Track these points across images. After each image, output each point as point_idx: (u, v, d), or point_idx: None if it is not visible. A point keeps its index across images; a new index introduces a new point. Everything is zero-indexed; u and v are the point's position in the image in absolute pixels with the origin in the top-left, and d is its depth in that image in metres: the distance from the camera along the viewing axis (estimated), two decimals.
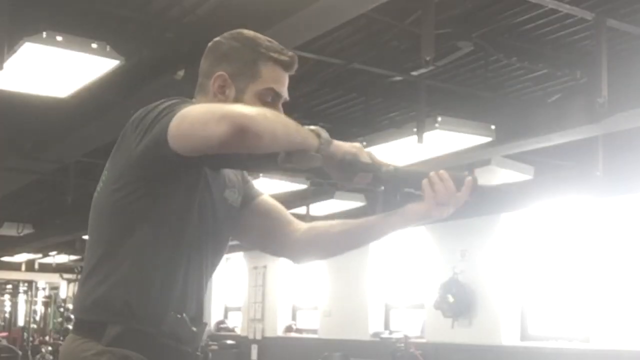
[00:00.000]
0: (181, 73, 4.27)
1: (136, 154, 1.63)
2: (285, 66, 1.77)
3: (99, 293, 1.64)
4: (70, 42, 3.94)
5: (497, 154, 6.04)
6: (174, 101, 1.64)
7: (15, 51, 3.92)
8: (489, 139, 5.25)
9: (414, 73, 4.80)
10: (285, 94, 1.79)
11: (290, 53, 1.78)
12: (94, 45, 4.00)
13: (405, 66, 5.16)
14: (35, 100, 5.02)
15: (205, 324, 1.76)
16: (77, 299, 1.72)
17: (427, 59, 4.07)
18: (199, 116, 1.52)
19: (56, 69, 4.25)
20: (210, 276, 1.79)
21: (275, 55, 1.76)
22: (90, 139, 6.05)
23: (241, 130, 1.45)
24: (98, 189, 1.71)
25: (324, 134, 1.63)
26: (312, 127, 1.63)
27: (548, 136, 5.17)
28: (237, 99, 1.73)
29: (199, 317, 1.73)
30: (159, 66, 4.50)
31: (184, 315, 1.66)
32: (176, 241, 1.66)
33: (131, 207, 1.64)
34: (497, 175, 6.71)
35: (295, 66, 1.80)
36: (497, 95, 5.68)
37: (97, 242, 1.70)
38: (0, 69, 3.92)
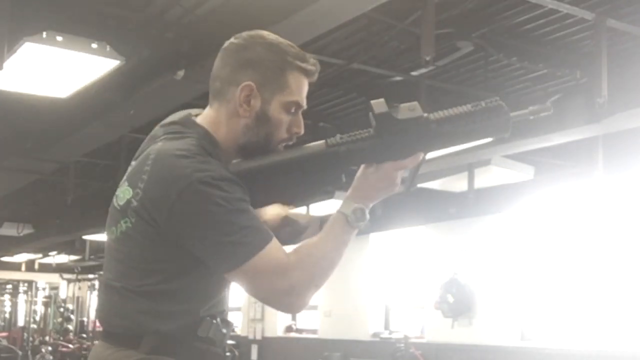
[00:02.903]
0: (181, 73, 4.26)
1: (169, 241, 1.60)
2: (310, 75, 1.74)
3: (133, 314, 1.62)
4: (70, 42, 3.94)
5: (497, 154, 6.04)
6: (214, 197, 1.54)
7: (15, 51, 3.92)
8: (489, 139, 5.25)
9: (414, 73, 4.81)
10: (305, 103, 1.75)
11: (312, 60, 1.74)
12: (94, 45, 4.00)
13: (405, 66, 5.17)
14: (35, 100, 5.03)
15: (231, 324, 1.77)
16: (107, 314, 1.68)
17: (427, 59, 4.07)
18: (273, 285, 1.59)
19: (56, 69, 4.25)
20: None
21: (303, 65, 1.71)
22: (90, 139, 6.05)
23: (304, 300, 1.65)
24: (129, 224, 1.63)
25: (350, 212, 1.63)
26: (345, 213, 1.64)
27: (548, 136, 5.17)
28: (262, 111, 1.68)
29: (227, 317, 1.74)
30: (159, 66, 4.49)
31: (218, 320, 1.67)
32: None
33: (169, 249, 1.62)
34: (497, 175, 6.71)
35: (317, 75, 1.76)
36: (497, 95, 5.67)
37: (127, 266, 1.66)
38: (0, 69, 3.92)
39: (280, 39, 1.73)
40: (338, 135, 1.67)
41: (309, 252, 1.62)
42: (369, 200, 1.65)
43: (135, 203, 1.61)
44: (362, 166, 1.66)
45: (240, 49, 1.70)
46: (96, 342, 1.74)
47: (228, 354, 1.74)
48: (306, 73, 1.72)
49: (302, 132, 1.75)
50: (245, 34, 1.73)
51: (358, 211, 1.62)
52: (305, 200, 1.76)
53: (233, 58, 1.70)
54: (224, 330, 1.69)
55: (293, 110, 1.72)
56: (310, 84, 1.77)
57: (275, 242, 1.59)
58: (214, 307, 1.68)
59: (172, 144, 1.63)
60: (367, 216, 1.64)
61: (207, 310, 1.66)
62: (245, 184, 1.61)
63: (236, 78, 1.68)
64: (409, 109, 1.63)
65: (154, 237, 1.60)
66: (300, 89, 1.72)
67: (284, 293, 1.59)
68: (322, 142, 1.68)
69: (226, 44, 1.73)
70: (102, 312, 1.70)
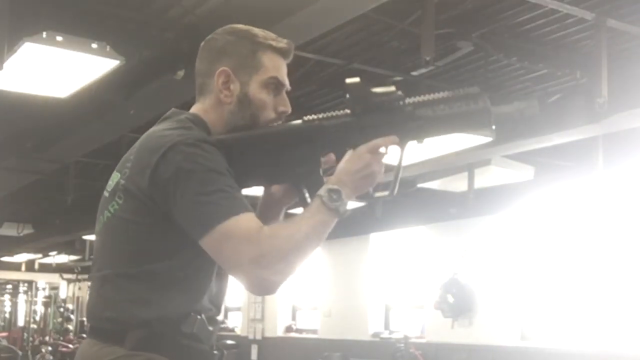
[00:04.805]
0: (181, 73, 4.27)
1: (152, 204, 1.60)
2: (284, 53, 1.78)
3: (120, 303, 1.63)
4: (70, 42, 3.94)
5: (497, 154, 6.04)
6: (195, 156, 1.57)
7: (15, 51, 3.92)
8: (489, 139, 5.25)
9: (414, 73, 4.81)
10: (287, 82, 1.79)
11: (285, 40, 1.80)
12: (94, 45, 4.00)
13: (405, 66, 5.17)
14: (35, 100, 5.02)
15: (220, 322, 1.77)
16: (95, 307, 1.69)
17: (427, 59, 4.07)
18: (242, 252, 1.55)
19: (56, 69, 4.24)
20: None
21: (274, 43, 1.77)
22: (90, 139, 6.05)
23: (274, 275, 1.56)
24: (116, 206, 1.65)
25: (324, 192, 1.61)
26: (320, 194, 1.62)
27: (548, 136, 5.17)
28: (243, 93, 1.73)
29: (216, 315, 1.74)
30: (159, 66, 4.49)
31: (202, 316, 1.66)
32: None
33: (156, 226, 1.63)
34: (497, 175, 6.71)
35: (292, 53, 1.81)
36: (497, 95, 5.68)
37: (115, 251, 1.68)
38: (0, 69, 3.92)
39: (252, 27, 1.80)
40: (315, 115, 1.72)
41: (283, 226, 1.63)
42: (345, 184, 1.63)
43: (123, 182, 1.65)
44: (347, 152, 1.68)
45: (213, 42, 1.79)
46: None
47: (216, 352, 1.73)
48: (279, 51, 1.77)
49: (290, 110, 1.79)
50: (218, 29, 1.81)
51: (333, 192, 1.61)
52: (280, 177, 1.75)
53: (208, 52, 1.79)
54: (211, 328, 1.68)
55: (274, 89, 1.76)
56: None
57: (252, 214, 1.59)
58: (201, 303, 1.67)
59: (158, 127, 1.72)
60: (344, 199, 1.62)
61: (193, 305, 1.65)
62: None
63: (213, 68, 1.75)
64: (384, 91, 1.67)
65: (141, 213, 1.62)
66: (277, 67, 1.77)
67: (252, 262, 1.54)
68: (299, 120, 1.73)
69: (202, 43, 1.81)
70: (89, 307, 1.72)
